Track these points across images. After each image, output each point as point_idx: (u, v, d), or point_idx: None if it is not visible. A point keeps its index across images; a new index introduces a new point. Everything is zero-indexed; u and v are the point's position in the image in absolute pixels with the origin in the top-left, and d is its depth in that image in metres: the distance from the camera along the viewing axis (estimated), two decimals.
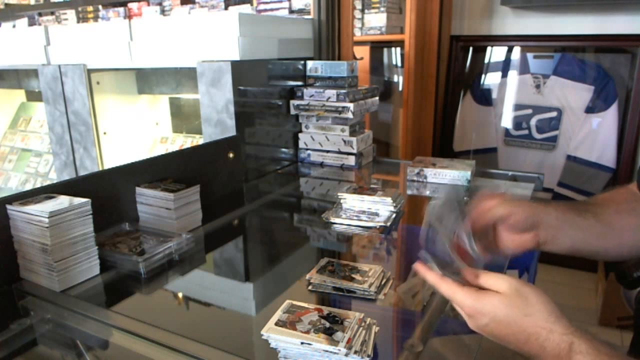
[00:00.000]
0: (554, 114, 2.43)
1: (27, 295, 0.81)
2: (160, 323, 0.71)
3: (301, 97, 1.57)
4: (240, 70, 1.35)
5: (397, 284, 0.82)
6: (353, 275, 0.81)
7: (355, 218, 1.09)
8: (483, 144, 2.62)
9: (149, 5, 3.40)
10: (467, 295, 0.58)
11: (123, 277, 0.88)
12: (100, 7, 3.58)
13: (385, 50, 2.80)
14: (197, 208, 1.09)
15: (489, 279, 0.59)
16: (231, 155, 1.30)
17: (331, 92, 1.52)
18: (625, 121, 2.29)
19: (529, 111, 2.49)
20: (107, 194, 0.99)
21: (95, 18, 3.61)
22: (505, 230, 0.71)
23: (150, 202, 1.04)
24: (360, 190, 1.16)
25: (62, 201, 0.83)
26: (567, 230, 0.71)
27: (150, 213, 1.04)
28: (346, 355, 0.58)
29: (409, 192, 1.34)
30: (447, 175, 1.34)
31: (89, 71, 1.72)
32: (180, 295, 0.87)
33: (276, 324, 0.62)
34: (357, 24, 2.56)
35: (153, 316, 0.78)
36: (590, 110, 2.35)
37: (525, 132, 2.51)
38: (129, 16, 3.47)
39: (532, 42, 2.47)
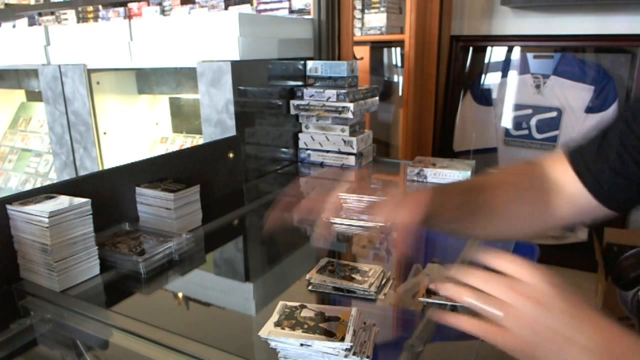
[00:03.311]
0: (554, 114, 2.43)
1: (27, 295, 0.81)
2: (160, 323, 0.71)
3: (301, 97, 1.57)
4: (240, 70, 1.35)
5: (397, 284, 0.82)
6: (353, 275, 0.81)
7: (355, 218, 1.09)
8: (483, 144, 2.61)
9: (149, 5, 3.40)
10: None
11: (123, 277, 0.88)
12: (100, 7, 3.58)
13: (385, 50, 2.79)
14: (197, 208, 1.09)
15: None
16: (231, 155, 1.30)
17: (331, 92, 1.52)
18: None
19: (529, 111, 2.49)
20: (107, 194, 0.99)
21: (95, 18, 3.61)
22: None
23: (150, 202, 1.04)
24: (360, 190, 1.16)
25: (62, 201, 0.83)
26: (442, 210, 0.67)
27: (150, 213, 1.04)
28: (346, 356, 0.58)
29: (409, 192, 1.33)
30: (447, 175, 1.34)
31: (89, 71, 1.72)
32: (180, 295, 0.87)
33: (275, 325, 0.62)
34: (357, 24, 2.56)
35: (153, 316, 0.78)
36: (590, 110, 2.35)
37: (525, 132, 2.51)
38: (129, 16, 3.47)
39: (532, 42, 2.47)
